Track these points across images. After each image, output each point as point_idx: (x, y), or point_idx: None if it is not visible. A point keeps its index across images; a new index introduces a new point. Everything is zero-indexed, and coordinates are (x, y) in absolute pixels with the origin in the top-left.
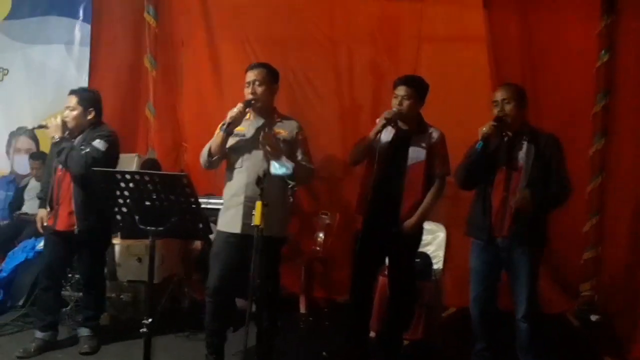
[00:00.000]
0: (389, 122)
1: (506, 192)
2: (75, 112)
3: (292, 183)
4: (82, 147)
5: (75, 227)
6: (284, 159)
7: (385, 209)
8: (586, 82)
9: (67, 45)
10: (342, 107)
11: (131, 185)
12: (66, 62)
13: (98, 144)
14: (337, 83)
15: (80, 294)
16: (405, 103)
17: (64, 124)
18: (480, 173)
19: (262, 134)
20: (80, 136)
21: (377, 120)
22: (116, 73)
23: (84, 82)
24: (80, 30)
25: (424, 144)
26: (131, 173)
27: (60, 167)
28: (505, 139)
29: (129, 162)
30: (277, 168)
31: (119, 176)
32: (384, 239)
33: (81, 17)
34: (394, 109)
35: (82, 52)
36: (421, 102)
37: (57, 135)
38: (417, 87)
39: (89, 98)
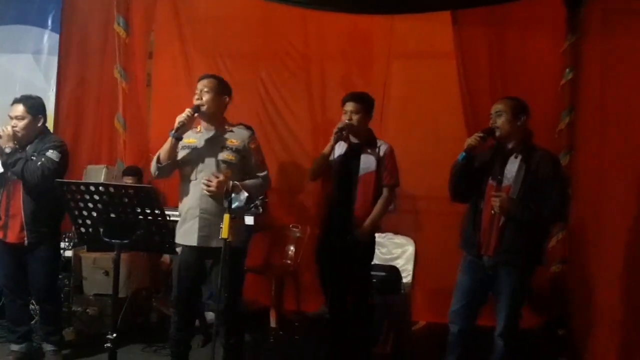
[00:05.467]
0: (341, 131)
1: (494, 209)
2: (25, 121)
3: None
4: (34, 158)
5: (25, 239)
6: (234, 194)
7: (339, 217)
8: (552, 99)
9: (35, 54)
10: (314, 122)
11: (96, 197)
12: (35, 71)
13: (52, 154)
14: (309, 98)
15: None
16: (355, 117)
17: (14, 134)
18: (468, 185)
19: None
20: (30, 146)
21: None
22: (85, 83)
23: (52, 92)
24: (48, 39)
25: (374, 155)
26: (96, 185)
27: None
28: (497, 151)
29: (97, 174)
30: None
31: (83, 187)
32: (340, 247)
33: (50, 27)
34: (345, 121)
35: (51, 62)
36: (369, 116)
37: (9, 146)
38: (364, 102)
39: (36, 105)
